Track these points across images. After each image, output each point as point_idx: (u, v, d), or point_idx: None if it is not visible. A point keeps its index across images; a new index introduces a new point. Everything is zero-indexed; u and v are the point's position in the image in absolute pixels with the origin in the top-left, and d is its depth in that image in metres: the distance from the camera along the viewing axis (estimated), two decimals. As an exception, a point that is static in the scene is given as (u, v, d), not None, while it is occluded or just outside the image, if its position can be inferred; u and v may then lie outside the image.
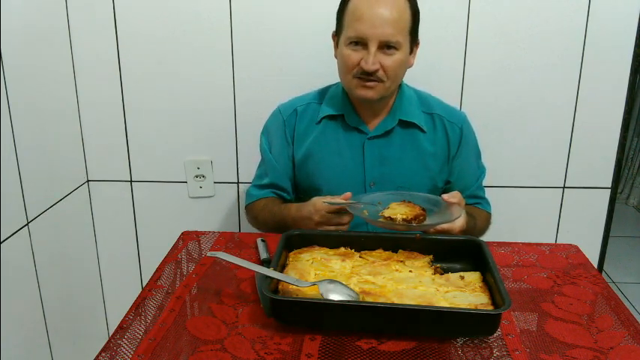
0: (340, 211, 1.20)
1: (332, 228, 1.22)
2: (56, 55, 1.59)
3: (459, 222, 1.20)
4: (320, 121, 1.37)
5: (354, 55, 1.24)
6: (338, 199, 1.19)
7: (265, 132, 1.45)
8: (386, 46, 1.23)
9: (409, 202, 1.20)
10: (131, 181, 1.78)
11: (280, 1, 1.60)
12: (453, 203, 1.19)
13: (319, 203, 1.21)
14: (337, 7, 1.33)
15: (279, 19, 1.61)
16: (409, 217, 1.13)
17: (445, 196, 1.20)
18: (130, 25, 1.62)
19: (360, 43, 1.23)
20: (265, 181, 1.42)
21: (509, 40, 1.61)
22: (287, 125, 1.39)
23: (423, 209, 1.18)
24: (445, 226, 1.18)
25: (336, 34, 1.33)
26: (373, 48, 1.22)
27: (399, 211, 1.16)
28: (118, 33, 1.63)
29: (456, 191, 1.23)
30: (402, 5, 1.23)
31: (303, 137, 1.39)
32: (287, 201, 1.43)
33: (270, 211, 1.36)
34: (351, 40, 1.24)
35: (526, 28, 1.60)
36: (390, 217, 1.14)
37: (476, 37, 1.61)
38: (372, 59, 1.22)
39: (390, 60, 1.24)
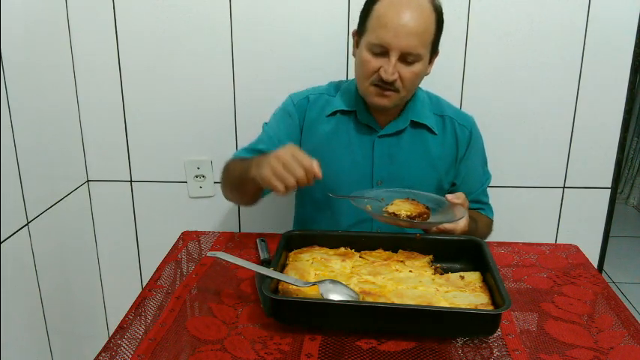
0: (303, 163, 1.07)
1: (283, 174, 1.06)
2: (56, 55, 1.59)
3: (461, 223, 1.20)
4: (332, 115, 1.36)
5: (373, 61, 1.22)
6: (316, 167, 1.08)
7: (273, 115, 1.41)
8: (407, 58, 1.21)
9: (413, 200, 1.20)
10: (131, 181, 1.78)
11: (280, 0, 1.60)
12: (456, 204, 1.19)
13: (294, 146, 1.10)
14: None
15: (280, 18, 1.61)
16: (413, 215, 1.13)
17: (449, 196, 1.20)
18: (130, 25, 1.62)
19: (381, 51, 1.21)
20: (259, 147, 1.33)
21: (509, 40, 1.61)
22: (297, 108, 1.37)
23: (427, 208, 1.18)
24: (448, 226, 1.18)
25: (358, 33, 1.30)
26: (394, 58, 1.19)
27: (402, 207, 1.16)
28: (118, 33, 1.63)
29: (461, 192, 1.23)
30: (428, 17, 1.21)
31: (312, 126, 1.37)
32: None
33: (240, 161, 1.27)
34: (372, 45, 1.22)
35: (526, 28, 1.59)
36: (394, 212, 1.14)
37: (476, 37, 1.61)
38: (391, 69, 1.20)
39: (409, 71, 1.22)
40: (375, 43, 1.21)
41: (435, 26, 1.23)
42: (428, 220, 1.15)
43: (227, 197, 1.38)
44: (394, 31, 1.18)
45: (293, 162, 1.06)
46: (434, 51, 1.28)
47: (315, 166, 1.07)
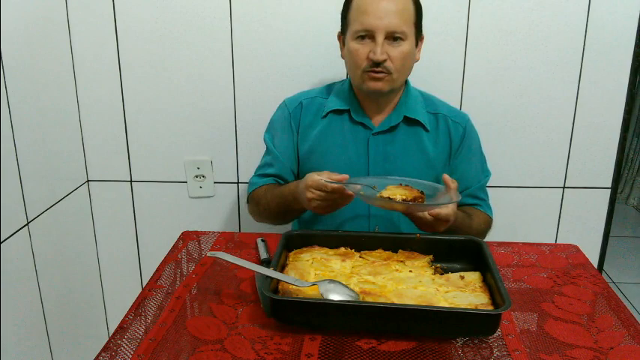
0: (338, 192, 1.16)
1: (324, 205, 1.18)
2: (56, 55, 1.59)
3: (447, 207, 1.17)
4: (326, 116, 1.38)
5: (362, 48, 1.26)
6: (335, 176, 1.16)
7: (271, 124, 1.46)
8: (392, 38, 1.25)
9: (407, 185, 1.19)
10: (131, 181, 1.78)
11: (280, 1, 1.60)
12: (450, 188, 1.17)
13: (310, 178, 1.18)
14: (338, 6, 1.33)
15: (280, 18, 1.61)
16: (408, 199, 1.13)
17: (446, 175, 1.18)
18: (130, 25, 1.62)
19: (367, 35, 1.26)
20: (269, 171, 1.42)
21: (509, 39, 1.61)
22: (292, 118, 1.40)
23: (422, 192, 1.17)
24: (433, 211, 1.16)
25: (342, 33, 1.34)
26: (380, 38, 1.24)
27: (397, 192, 1.15)
28: (118, 33, 1.63)
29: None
30: None
31: (307, 130, 1.39)
32: None
33: (272, 193, 1.37)
34: (358, 33, 1.26)
35: (526, 28, 1.59)
36: (389, 197, 1.13)
37: (476, 37, 1.61)
38: (379, 49, 1.24)
39: (398, 51, 1.26)
40: (360, 29, 1.26)
41: (413, 6, 1.29)
42: (424, 203, 1.14)
43: (262, 222, 1.46)
44: (375, 13, 1.24)
45: (325, 194, 1.15)
46: (418, 34, 1.32)
47: (338, 178, 1.15)
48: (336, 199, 1.17)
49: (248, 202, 1.46)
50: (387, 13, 1.23)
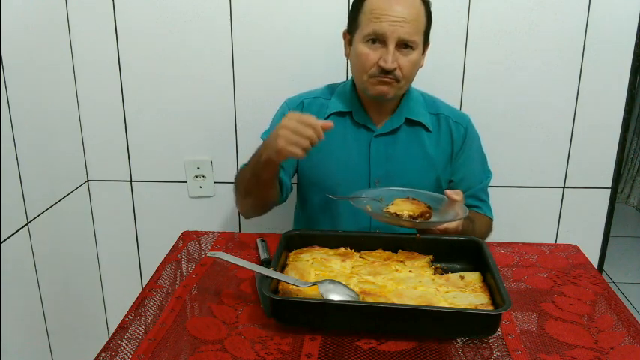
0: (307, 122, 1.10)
1: (296, 139, 1.09)
2: (56, 55, 1.59)
3: (453, 223, 1.18)
4: (328, 117, 1.37)
5: (372, 53, 1.25)
6: (315, 120, 1.10)
7: (271, 123, 1.43)
8: (403, 45, 1.24)
9: (414, 199, 1.20)
10: (131, 181, 1.78)
11: (280, 1, 1.60)
12: (456, 200, 1.18)
13: (292, 113, 1.13)
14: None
15: (280, 19, 1.61)
16: (415, 215, 1.13)
17: (448, 191, 1.19)
18: (130, 25, 1.62)
19: (378, 40, 1.24)
20: None
21: (509, 39, 1.61)
22: None
23: (429, 207, 1.17)
24: (440, 227, 1.17)
25: (349, 33, 1.33)
26: (392, 46, 1.22)
27: (404, 207, 1.15)
28: (118, 33, 1.63)
29: (459, 190, 1.22)
30: (418, 6, 1.25)
31: None
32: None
33: (246, 165, 1.31)
34: (369, 37, 1.25)
35: (526, 28, 1.60)
36: (395, 213, 1.13)
37: (476, 37, 1.61)
38: (391, 57, 1.22)
39: (407, 60, 1.25)
40: (372, 34, 1.24)
41: (425, 15, 1.27)
42: (430, 220, 1.15)
43: (246, 212, 1.40)
44: (389, 20, 1.22)
45: (300, 126, 1.09)
46: (426, 41, 1.31)
47: (319, 120, 1.10)
48: (305, 128, 1.09)
49: (234, 192, 1.39)
50: (401, 21, 1.22)
